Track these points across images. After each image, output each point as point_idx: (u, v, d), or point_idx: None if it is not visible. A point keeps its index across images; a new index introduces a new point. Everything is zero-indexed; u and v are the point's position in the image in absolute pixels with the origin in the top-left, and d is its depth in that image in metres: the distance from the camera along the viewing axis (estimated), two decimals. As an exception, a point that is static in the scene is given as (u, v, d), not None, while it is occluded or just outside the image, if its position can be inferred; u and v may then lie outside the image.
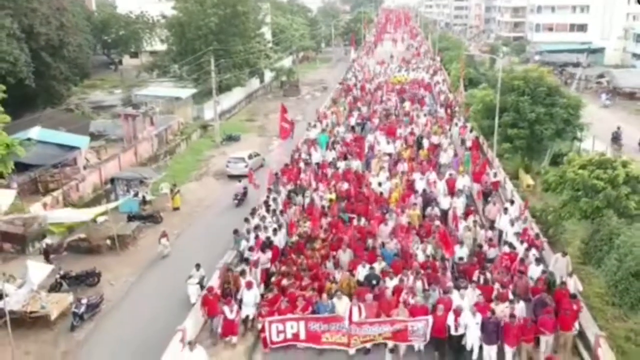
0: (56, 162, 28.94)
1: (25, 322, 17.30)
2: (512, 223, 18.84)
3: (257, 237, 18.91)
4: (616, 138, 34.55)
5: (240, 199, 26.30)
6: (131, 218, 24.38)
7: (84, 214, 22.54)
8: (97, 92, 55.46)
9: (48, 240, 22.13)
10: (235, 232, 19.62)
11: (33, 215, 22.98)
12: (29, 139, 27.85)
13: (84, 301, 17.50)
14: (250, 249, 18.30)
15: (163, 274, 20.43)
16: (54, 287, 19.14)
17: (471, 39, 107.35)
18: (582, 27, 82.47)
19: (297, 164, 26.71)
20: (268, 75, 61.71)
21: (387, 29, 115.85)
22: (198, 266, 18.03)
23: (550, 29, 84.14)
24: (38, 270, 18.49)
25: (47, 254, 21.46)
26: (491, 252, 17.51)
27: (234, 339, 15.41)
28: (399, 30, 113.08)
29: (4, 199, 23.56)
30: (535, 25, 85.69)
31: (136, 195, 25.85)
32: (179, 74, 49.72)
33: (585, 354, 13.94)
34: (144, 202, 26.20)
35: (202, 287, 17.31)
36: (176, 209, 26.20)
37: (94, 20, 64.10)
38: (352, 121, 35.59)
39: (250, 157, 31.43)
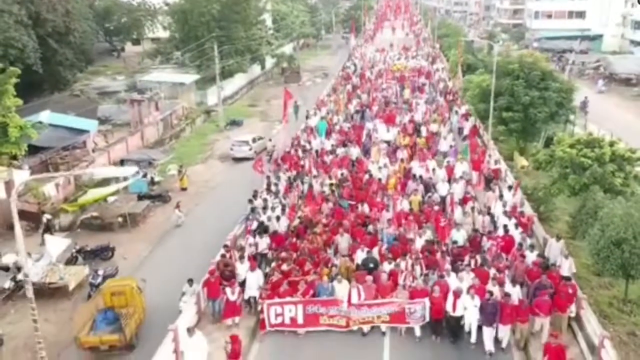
0: (66, 144, 29.97)
1: (45, 293, 18.33)
2: (504, 205, 19.32)
3: (255, 220, 19.32)
4: (583, 107, 35.74)
5: None
6: (141, 197, 25.41)
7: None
8: (101, 78, 56.14)
9: (48, 216, 23.04)
10: (251, 201, 20.54)
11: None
12: (39, 122, 28.79)
13: (101, 272, 18.56)
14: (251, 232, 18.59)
15: (173, 249, 21.46)
16: (70, 261, 20.22)
17: (471, 26, 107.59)
18: (581, 14, 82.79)
19: (296, 151, 27.07)
20: (269, 61, 62.39)
21: (387, 16, 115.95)
22: (191, 281, 16.01)
23: (549, 16, 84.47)
24: (56, 244, 19.63)
25: (47, 229, 22.38)
26: (487, 244, 17.54)
27: (237, 319, 15.45)
28: (399, 17, 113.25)
29: (19, 178, 24.51)
30: (534, 13, 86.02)
31: (145, 176, 26.84)
32: (182, 60, 50.50)
33: (580, 334, 14.23)
34: (152, 182, 27.22)
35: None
36: (184, 189, 27.22)
37: (97, 8, 64.61)
38: (351, 109, 35.76)
39: (254, 140, 32.40)
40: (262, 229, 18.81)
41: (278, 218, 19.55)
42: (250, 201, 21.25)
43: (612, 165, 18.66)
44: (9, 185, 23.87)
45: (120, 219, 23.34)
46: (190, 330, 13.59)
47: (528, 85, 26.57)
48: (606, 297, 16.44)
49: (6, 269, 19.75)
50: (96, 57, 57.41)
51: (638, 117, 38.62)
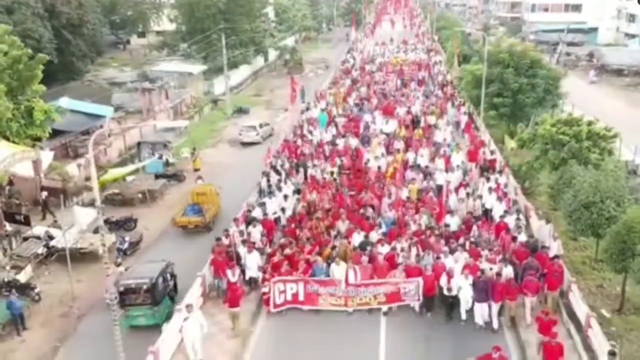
0: (84, 129, 31.92)
1: (76, 257, 20.31)
2: (489, 191, 20.20)
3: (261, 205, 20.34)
4: None
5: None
6: (158, 177, 27.41)
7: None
8: (109, 69, 58.03)
9: (46, 193, 24.65)
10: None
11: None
12: (60, 107, 30.67)
13: (127, 239, 20.62)
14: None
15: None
16: (97, 231, 22.18)
17: (469, 20, 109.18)
18: (577, 8, 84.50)
19: (295, 141, 27.85)
20: (272, 54, 64.20)
21: (387, 10, 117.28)
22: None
23: (546, 10, 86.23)
24: (84, 214, 21.65)
25: (45, 206, 24.12)
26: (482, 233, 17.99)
27: (237, 309, 15.51)
28: (399, 11, 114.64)
29: (45, 159, 26.54)
30: (531, 6, 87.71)
31: (160, 157, 28.80)
32: (188, 52, 52.32)
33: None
34: (167, 164, 29.20)
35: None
36: (197, 170, 29.14)
37: (103, 1, 66.31)
38: (350, 102, 35.99)
39: (261, 126, 34.36)
40: (251, 219, 19.21)
41: (286, 197, 20.65)
42: (267, 174, 22.89)
43: (588, 141, 20.65)
44: (36, 164, 25.84)
45: (140, 195, 25.36)
46: (189, 307, 14.20)
47: (517, 73, 28.51)
48: (580, 257, 18.51)
49: (37, 238, 21.77)
50: (103, 49, 59.27)
51: (626, 104, 40.59)
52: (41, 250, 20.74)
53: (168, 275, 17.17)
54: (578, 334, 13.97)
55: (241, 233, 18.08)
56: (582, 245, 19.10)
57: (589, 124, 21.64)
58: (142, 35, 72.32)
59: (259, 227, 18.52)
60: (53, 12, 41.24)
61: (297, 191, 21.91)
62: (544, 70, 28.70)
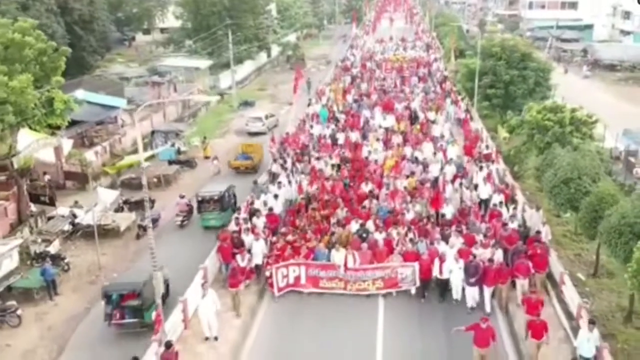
0: (99, 119, 33.67)
1: (100, 233, 22.07)
2: (484, 181, 21.14)
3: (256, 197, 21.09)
4: None
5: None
6: (171, 163, 29.18)
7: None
8: (116, 65, 59.76)
9: (48, 176, 26.31)
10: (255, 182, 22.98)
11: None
12: (76, 98, 32.40)
13: (147, 216, 22.31)
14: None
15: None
16: (117, 210, 24.01)
17: (470, 17, 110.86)
18: (573, 5, 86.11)
19: (300, 133, 29.00)
20: (275, 50, 65.94)
21: (386, 8, 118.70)
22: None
23: (543, 7, 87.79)
24: (107, 194, 23.48)
25: (50, 187, 25.64)
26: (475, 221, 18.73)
27: (247, 282, 16.81)
28: (399, 9, 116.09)
29: (65, 146, 28.33)
30: (528, 3, 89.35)
31: (173, 145, 30.58)
32: (194, 48, 54.05)
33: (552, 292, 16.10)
34: (178, 152, 30.97)
35: None
36: (207, 157, 30.93)
37: (109, -2, 68.07)
38: (349, 99, 36.48)
39: (266, 117, 36.14)
40: (254, 210, 20.11)
41: (276, 196, 21.16)
42: (282, 164, 24.35)
43: (570, 127, 22.42)
44: (57, 150, 27.62)
45: (155, 180, 27.13)
46: (203, 286, 15.33)
47: (509, 65, 30.28)
48: (561, 231, 20.34)
49: (62, 217, 23.56)
50: (111, 46, 61.00)
51: (614, 97, 42.34)
52: (67, 227, 22.54)
53: (231, 193, 23.10)
54: (553, 290, 15.69)
55: (245, 221, 19.29)
56: (564, 221, 20.94)
57: (573, 110, 23.42)
58: (146, 32, 74.15)
59: (262, 219, 19.38)
60: (66, 8, 43.00)
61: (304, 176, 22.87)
62: (534, 63, 30.42)
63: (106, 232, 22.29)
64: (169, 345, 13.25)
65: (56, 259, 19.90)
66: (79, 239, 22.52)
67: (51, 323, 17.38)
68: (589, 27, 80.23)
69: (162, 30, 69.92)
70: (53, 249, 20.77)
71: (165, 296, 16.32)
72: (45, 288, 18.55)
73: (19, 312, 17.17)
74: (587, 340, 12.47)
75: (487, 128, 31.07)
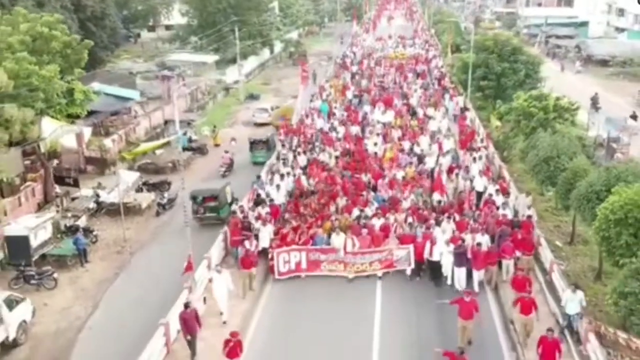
0: (114, 110, 35.68)
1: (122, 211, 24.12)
2: (480, 174, 22.22)
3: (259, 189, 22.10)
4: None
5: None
6: (184, 150, 31.17)
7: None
8: (123, 61, 61.71)
9: (57, 160, 28.09)
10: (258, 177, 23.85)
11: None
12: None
13: (166, 195, 24.41)
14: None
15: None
16: (138, 191, 26.04)
17: (467, 14, 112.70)
18: (569, 2, 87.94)
19: (303, 127, 30.08)
20: (277, 46, 67.89)
21: (386, 6, 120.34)
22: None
23: (539, 4, 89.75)
24: (128, 175, 25.52)
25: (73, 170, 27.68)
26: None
27: (254, 270, 17.21)
28: (399, 7, 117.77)
29: (86, 133, 30.33)
30: (525, 1, 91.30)
31: (185, 134, 32.59)
32: (199, 44, 55.97)
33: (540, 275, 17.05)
34: (190, 140, 32.98)
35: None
36: (217, 145, 32.96)
37: (115, -4, 69.92)
38: (348, 95, 37.21)
39: (272, 108, 38.18)
40: (260, 200, 21.02)
41: (278, 187, 22.01)
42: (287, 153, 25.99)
43: (554, 113, 24.45)
44: (79, 137, 29.61)
45: (170, 164, 29.17)
46: (218, 267, 16.14)
47: (501, 59, 32.28)
48: (544, 207, 22.40)
49: (85, 197, 25.60)
50: (120, 42, 62.90)
51: (604, 90, 43.99)
52: (92, 205, 24.57)
53: (274, 138, 29.45)
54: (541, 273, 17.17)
55: (252, 209, 20.44)
56: (547, 199, 22.97)
57: (557, 99, 25.44)
58: (152, 29, 76.10)
59: (267, 208, 20.22)
60: (79, 5, 44.91)
61: (306, 168, 24.09)
62: (524, 56, 32.43)
63: (128, 210, 24.28)
64: (187, 305, 14.26)
65: (85, 231, 21.91)
66: (103, 216, 24.56)
67: (84, 286, 19.43)
68: (585, 24, 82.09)
69: (167, 27, 71.89)
70: (82, 223, 22.78)
71: (232, 202, 22.79)
72: (77, 256, 20.60)
73: (55, 275, 19.20)
74: (571, 300, 13.90)
75: (480, 118, 33.00)
